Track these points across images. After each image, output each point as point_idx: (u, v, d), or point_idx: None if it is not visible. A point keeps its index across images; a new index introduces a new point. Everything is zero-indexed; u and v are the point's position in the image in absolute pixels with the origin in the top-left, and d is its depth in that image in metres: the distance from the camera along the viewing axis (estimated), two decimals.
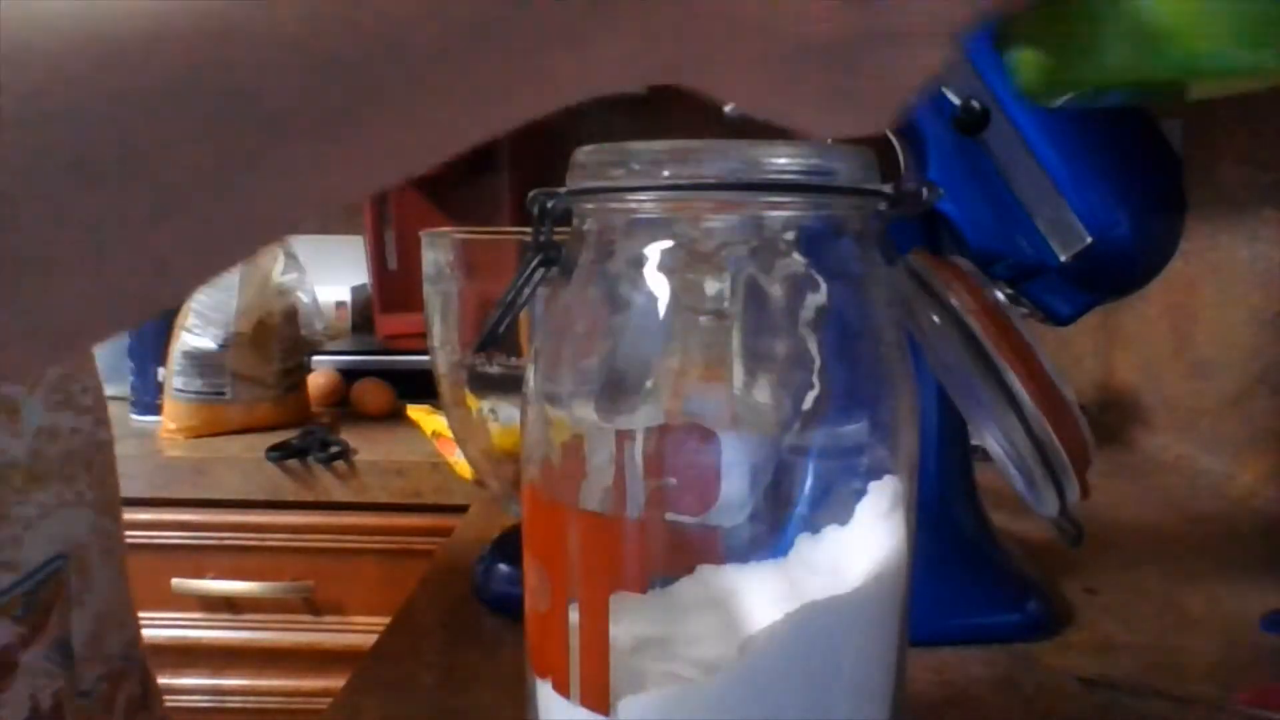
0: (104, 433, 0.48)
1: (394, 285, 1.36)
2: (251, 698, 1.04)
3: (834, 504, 0.33)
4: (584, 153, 0.34)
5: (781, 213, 0.32)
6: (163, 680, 0.55)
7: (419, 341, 1.05)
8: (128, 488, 0.52)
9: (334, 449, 1.02)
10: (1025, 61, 0.34)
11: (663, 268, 0.31)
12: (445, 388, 0.59)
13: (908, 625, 0.35)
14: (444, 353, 0.58)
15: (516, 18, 0.22)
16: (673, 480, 0.31)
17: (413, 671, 0.50)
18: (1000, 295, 0.49)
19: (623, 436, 0.31)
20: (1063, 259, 0.54)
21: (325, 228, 1.55)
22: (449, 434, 0.92)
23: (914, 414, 0.35)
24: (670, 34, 0.25)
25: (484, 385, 0.58)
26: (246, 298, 1.11)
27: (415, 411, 1.16)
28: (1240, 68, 0.30)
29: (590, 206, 0.34)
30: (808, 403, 0.31)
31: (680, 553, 0.32)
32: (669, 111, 1.52)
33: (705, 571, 0.32)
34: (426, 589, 0.61)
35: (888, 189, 0.34)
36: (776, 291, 0.32)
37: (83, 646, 0.45)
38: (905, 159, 0.59)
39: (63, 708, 0.43)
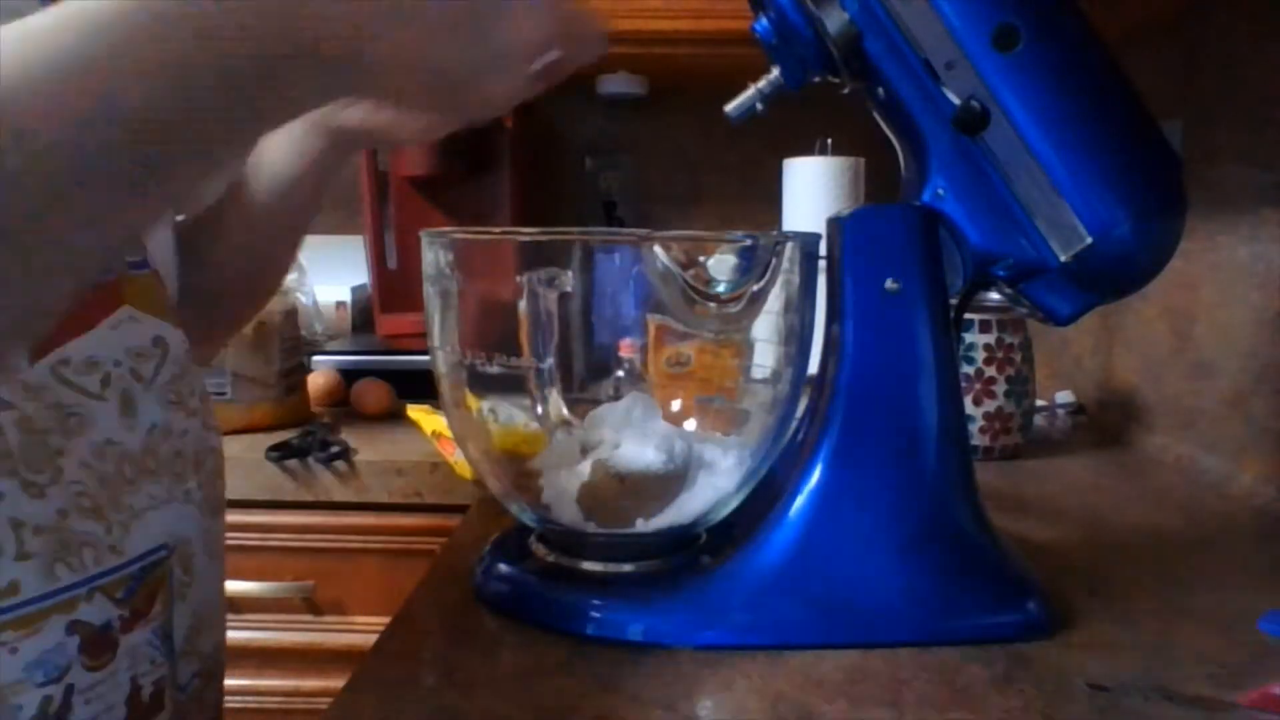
0: (213, 438, 0.52)
1: (394, 285, 1.36)
2: (251, 698, 1.03)
3: None
4: None
5: None
6: None
7: (419, 341, 1.05)
8: None
9: (334, 449, 1.02)
10: None
11: None
12: (445, 388, 0.60)
13: None
14: (444, 353, 0.58)
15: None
16: None
17: (413, 671, 0.50)
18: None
19: None
20: (1063, 259, 0.54)
21: (325, 227, 1.55)
22: (449, 434, 0.92)
23: None
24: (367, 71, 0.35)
25: (484, 385, 0.58)
26: None
27: (415, 411, 1.16)
28: None
29: None
30: None
31: None
32: (669, 111, 1.53)
33: None
34: (426, 589, 0.61)
35: None
36: None
37: (183, 640, 0.47)
38: (906, 159, 0.59)
39: (164, 696, 0.46)
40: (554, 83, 0.42)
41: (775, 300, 0.56)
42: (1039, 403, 1.11)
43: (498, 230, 0.59)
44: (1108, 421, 1.16)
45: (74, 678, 0.41)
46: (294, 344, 1.18)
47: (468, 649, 0.53)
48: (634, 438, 0.57)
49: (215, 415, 0.53)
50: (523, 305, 0.56)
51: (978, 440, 0.97)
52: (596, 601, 0.55)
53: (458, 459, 0.99)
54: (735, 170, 1.53)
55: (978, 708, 0.47)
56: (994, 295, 0.66)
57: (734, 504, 0.58)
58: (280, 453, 1.02)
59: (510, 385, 0.58)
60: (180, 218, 0.58)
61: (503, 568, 0.59)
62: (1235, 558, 0.69)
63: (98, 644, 0.42)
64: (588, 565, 0.58)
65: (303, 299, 1.20)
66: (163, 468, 0.46)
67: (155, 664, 0.45)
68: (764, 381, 0.58)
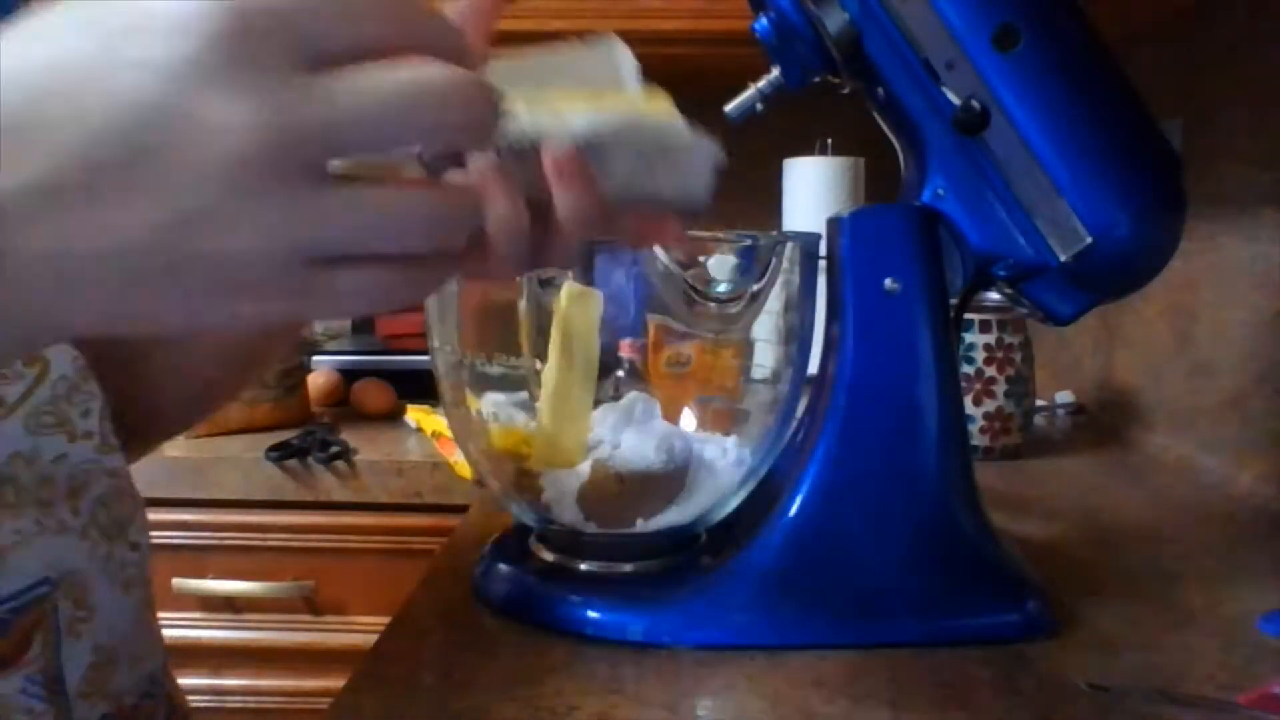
0: (112, 459, 0.46)
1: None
2: (251, 698, 1.04)
3: None
4: None
5: None
6: None
7: (419, 341, 1.05)
8: None
9: (334, 449, 1.02)
10: None
11: None
12: (445, 388, 0.60)
13: None
14: (444, 353, 0.58)
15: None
16: None
17: (413, 671, 0.50)
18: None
19: None
20: (1063, 259, 0.54)
21: None
22: (449, 434, 0.92)
23: None
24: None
25: (484, 385, 0.58)
26: None
27: (415, 411, 1.16)
28: None
29: None
30: None
31: None
32: None
33: None
34: (426, 589, 0.61)
35: None
36: None
37: (80, 681, 0.43)
38: (906, 159, 0.59)
39: None
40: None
41: (775, 300, 0.56)
42: (1039, 403, 1.11)
43: None
44: (1108, 421, 1.16)
45: None
46: (294, 344, 1.18)
47: (468, 649, 0.53)
48: (634, 438, 0.57)
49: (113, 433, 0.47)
50: (523, 305, 0.56)
51: (978, 440, 0.97)
52: (596, 601, 0.55)
53: (458, 459, 0.99)
54: (735, 170, 1.52)
55: (978, 708, 0.47)
56: (994, 295, 0.66)
57: (734, 504, 0.58)
58: (280, 453, 1.02)
59: (510, 385, 0.58)
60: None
61: (503, 568, 0.59)
62: (1235, 558, 0.69)
63: None
64: (588, 565, 0.58)
65: None
66: (23, 497, 0.41)
67: (34, 713, 0.41)
68: (764, 381, 0.58)
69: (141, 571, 0.48)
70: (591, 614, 0.54)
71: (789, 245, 0.56)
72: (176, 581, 1.04)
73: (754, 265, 0.54)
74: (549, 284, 0.55)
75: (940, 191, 0.55)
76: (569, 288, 0.54)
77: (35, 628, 0.41)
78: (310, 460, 1.02)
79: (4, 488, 0.41)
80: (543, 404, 0.56)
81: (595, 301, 0.54)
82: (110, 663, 0.44)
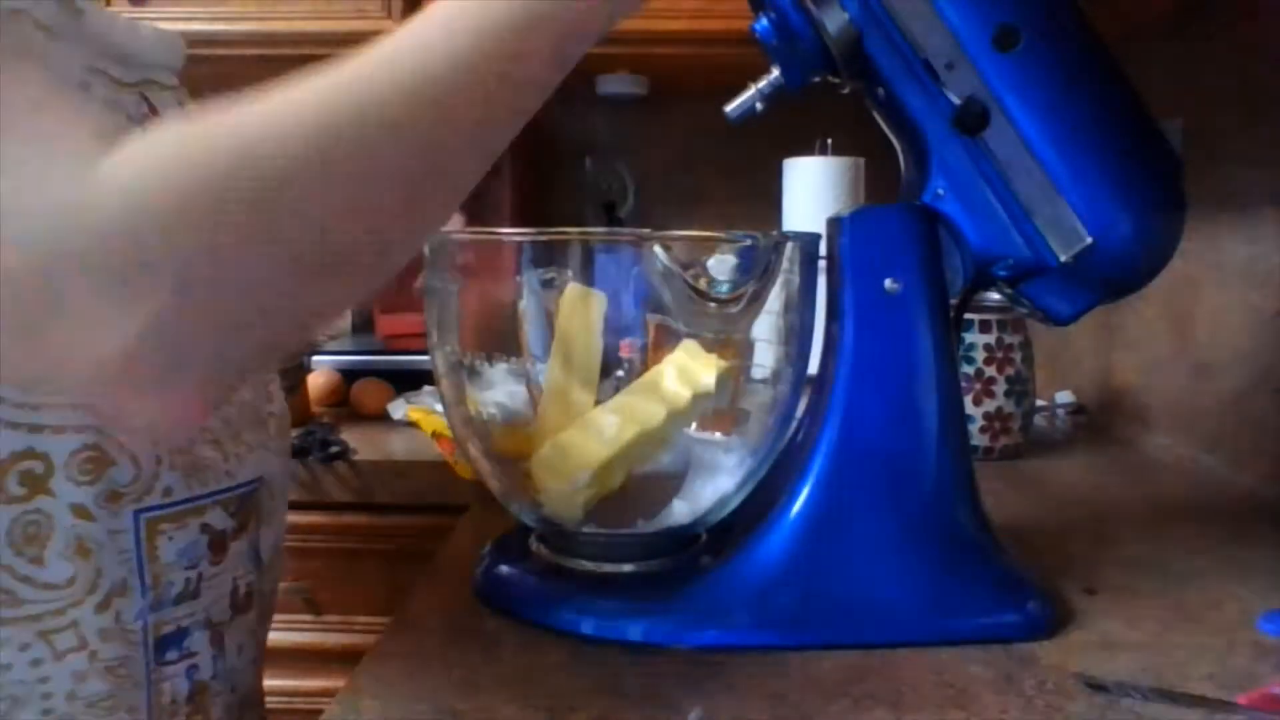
0: (275, 405, 0.61)
1: (394, 285, 1.36)
2: None
3: None
4: None
5: None
6: None
7: (419, 341, 1.05)
8: None
9: (334, 449, 1.02)
10: None
11: None
12: (445, 388, 0.60)
13: None
14: (444, 353, 0.58)
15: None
16: None
17: (413, 671, 0.50)
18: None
19: None
20: (1063, 259, 0.54)
21: None
22: (449, 434, 0.92)
23: None
24: None
25: (484, 385, 0.58)
26: None
27: (415, 411, 1.16)
28: None
29: None
30: None
31: None
32: (669, 111, 1.53)
33: None
34: (426, 589, 0.62)
35: None
36: None
37: (266, 556, 0.59)
38: (905, 159, 0.59)
39: (251, 597, 0.57)
40: None
41: (775, 300, 0.56)
42: (1039, 403, 1.11)
43: (498, 230, 0.59)
44: (1108, 421, 1.16)
45: (203, 568, 0.52)
46: None
47: (468, 649, 0.53)
48: None
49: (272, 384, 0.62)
50: (523, 305, 0.56)
51: (978, 440, 0.97)
52: (596, 602, 0.55)
53: (458, 459, 0.99)
54: (735, 170, 1.53)
55: (978, 708, 0.47)
56: (994, 295, 0.66)
57: (734, 504, 0.58)
58: None
59: (510, 385, 0.58)
60: None
61: (503, 568, 0.59)
62: (1235, 558, 0.69)
63: (218, 545, 0.53)
64: (588, 565, 0.58)
65: None
66: (261, 421, 0.57)
67: (247, 570, 0.56)
68: (764, 381, 0.58)
69: (287, 490, 0.64)
70: (591, 614, 0.54)
71: (789, 245, 0.56)
72: None
73: (754, 265, 0.54)
74: (550, 284, 0.55)
75: (940, 191, 0.55)
76: (572, 288, 0.54)
77: (253, 511, 0.56)
78: (310, 460, 1.01)
79: (243, 414, 0.56)
80: (543, 405, 0.56)
81: (597, 303, 0.54)
82: (277, 550, 0.61)
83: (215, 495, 0.53)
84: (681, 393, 0.55)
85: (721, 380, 0.56)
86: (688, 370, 0.56)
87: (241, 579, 0.56)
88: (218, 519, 0.53)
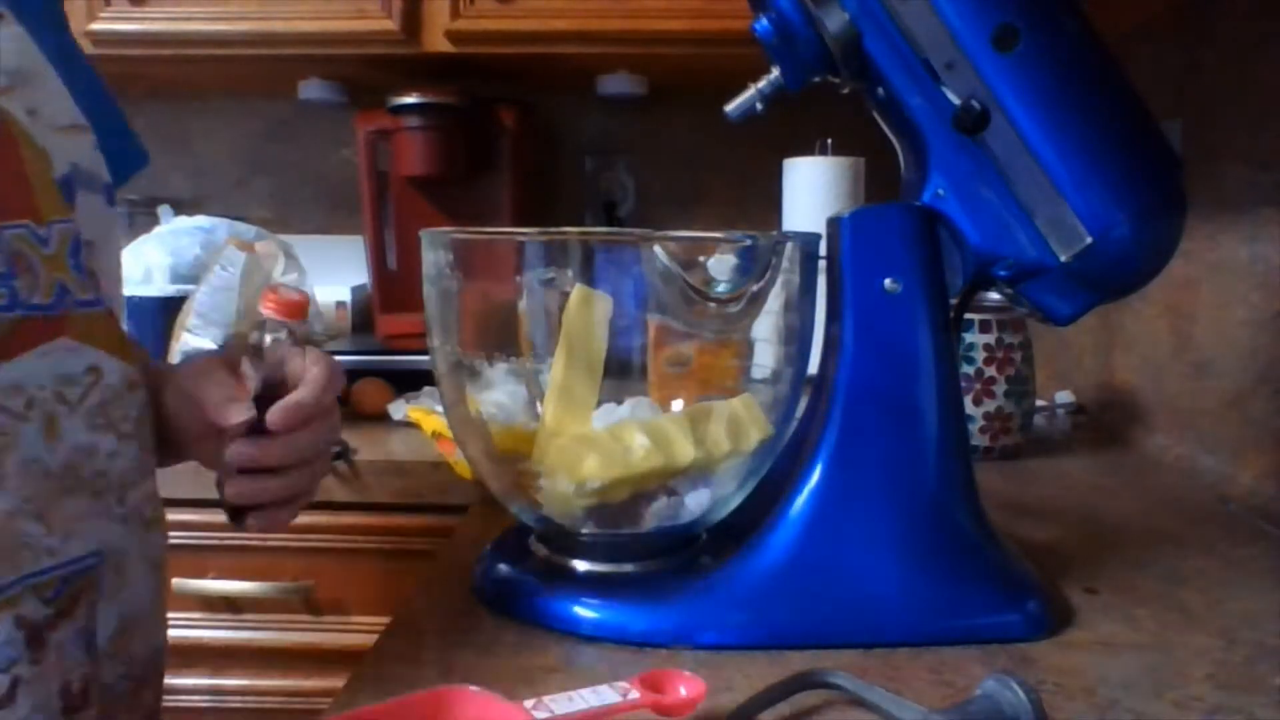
0: (152, 461, 0.54)
1: (394, 285, 1.36)
2: (251, 698, 1.03)
3: None
4: None
5: None
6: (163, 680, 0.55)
7: (419, 341, 1.05)
8: None
9: (334, 449, 1.02)
10: None
11: None
12: (445, 388, 0.60)
13: None
14: (444, 353, 0.58)
15: None
16: None
17: (413, 671, 0.50)
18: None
19: None
20: (1063, 259, 0.54)
21: (325, 228, 1.55)
22: (449, 434, 0.92)
23: None
24: None
25: (484, 385, 0.58)
26: (247, 298, 1.11)
27: (415, 411, 1.16)
28: None
29: None
30: None
31: None
32: (669, 111, 1.53)
33: None
34: (426, 589, 0.61)
35: None
36: None
37: (107, 641, 0.49)
38: (905, 159, 0.59)
39: (89, 693, 0.48)
40: None
41: (775, 300, 0.56)
42: (1039, 403, 1.11)
43: (498, 230, 0.59)
44: (1108, 421, 1.16)
45: (20, 670, 0.44)
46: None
47: (467, 648, 0.53)
48: None
49: (152, 437, 0.54)
50: (523, 305, 0.56)
51: (978, 440, 0.97)
52: (596, 601, 0.55)
53: (458, 459, 0.98)
54: (735, 170, 1.53)
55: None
56: (994, 295, 0.66)
57: (734, 504, 0.58)
58: None
59: (510, 385, 0.58)
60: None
61: (502, 568, 0.59)
62: (1235, 558, 0.69)
63: (37, 639, 0.45)
64: (587, 565, 0.58)
65: None
66: (82, 486, 0.48)
67: (79, 662, 0.48)
68: (764, 381, 0.58)
69: (164, 558, 0.54)
70: (591, 614, 0.54)
71: (789, 245, 0.56)
72: (177, 581, 1.03)
73: (754, 265, 0.54)
74: (550, 284, 0.55)
75: (940, 191, 0.55)
76: (579, 290, 0.54)
77: (84, 591, 0.48)
78: None
79: (68, 475, 0.47)
80: (546, 403, 0.56)
81: (602, 305, 0.54)
82: (132, 629, 0.51)
83: (28, 579, 0.45)
84: (721, 444, 0.55)
85: (759, 448, 0.57)
86: (738, 422, 0.56)
87: (73, 673, 0.47)
88: (33, 608, 0.45)
